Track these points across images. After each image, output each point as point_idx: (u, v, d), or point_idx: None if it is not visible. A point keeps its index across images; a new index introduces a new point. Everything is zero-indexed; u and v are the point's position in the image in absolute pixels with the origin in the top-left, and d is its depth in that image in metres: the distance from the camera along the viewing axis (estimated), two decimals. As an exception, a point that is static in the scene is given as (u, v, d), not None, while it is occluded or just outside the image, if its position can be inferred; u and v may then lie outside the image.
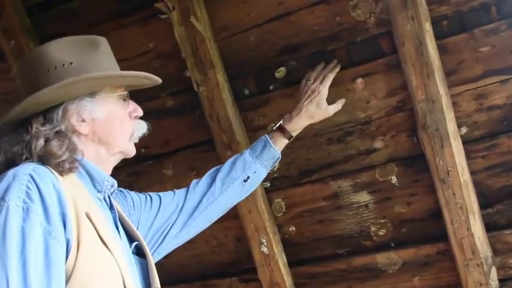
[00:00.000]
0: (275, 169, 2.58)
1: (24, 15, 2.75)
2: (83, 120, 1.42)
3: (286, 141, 2.06)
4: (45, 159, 1.31)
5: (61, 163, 1.31)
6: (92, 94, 1.43)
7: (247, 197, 2.54)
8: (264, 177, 2.07)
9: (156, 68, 2.60)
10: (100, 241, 1.29)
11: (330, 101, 2.22)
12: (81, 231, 1.24)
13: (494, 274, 2.36)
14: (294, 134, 2.09)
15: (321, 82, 2.11)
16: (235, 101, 2.56)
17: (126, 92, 1.53)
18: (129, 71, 1.52)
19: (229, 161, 2.01)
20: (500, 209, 2.33)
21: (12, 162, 1.31)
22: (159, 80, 1.62)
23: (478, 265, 2.33)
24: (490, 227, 2.35)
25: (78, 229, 1.23)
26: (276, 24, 2.43)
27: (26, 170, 1.23)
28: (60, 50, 1.42)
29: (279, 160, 2.07)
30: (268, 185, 2.63)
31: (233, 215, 2.69)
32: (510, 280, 2.39)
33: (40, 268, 1.13)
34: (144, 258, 1.50)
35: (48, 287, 1.13)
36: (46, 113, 1.37)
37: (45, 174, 1.25)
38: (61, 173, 1.31)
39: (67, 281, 1.18)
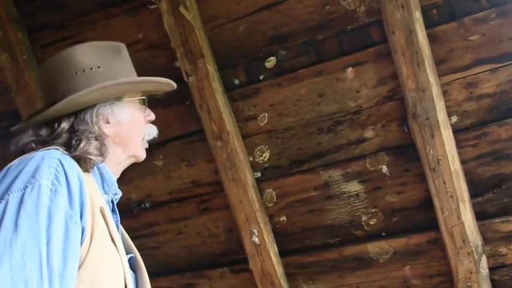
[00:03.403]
0: (266, 159, 2.59)
1: (11, 5, 2.72)
2: (108, 122, 1.46)
3: None
4: (76, 155, 1.34)
5: (89, 161, 1.36)
6: (119, 98, 1.49)
7: (238, 186, 2.57)
8: None
9: (146, 58, 2.58)
10: (110, 238, 1.33)
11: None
12: (95, 225, 1.28)
13: (484, 262, 2.37)
14: None
15: None
16: (225, 91, 2.54)
17: (145, 97, 1.58)
18: (155, 77, 1.57)
19: None
20: (491, 197, 2.34)
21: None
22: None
23: (469, 253, 2.34)
24: (480, 215, 2.36)
25: (92, 221, 1.28)
26: (266, 14, 2.41)
27: (55, 154, 1.28)
28: (87, 54, 1.48)
29: None
30: (259, 175, 2.62)
31: (224, 206, 2.70)
32: (500, 268, 2.40)
33: (59, 248, 1.18)
34: (134, 272, 1.51)
35: (64, 268, 1.18)
36: (78, 114, 1.42)
37: (71, 162, 1.31)
38: (83, 168, 1.35)
39: (78, 268, 1.23)
